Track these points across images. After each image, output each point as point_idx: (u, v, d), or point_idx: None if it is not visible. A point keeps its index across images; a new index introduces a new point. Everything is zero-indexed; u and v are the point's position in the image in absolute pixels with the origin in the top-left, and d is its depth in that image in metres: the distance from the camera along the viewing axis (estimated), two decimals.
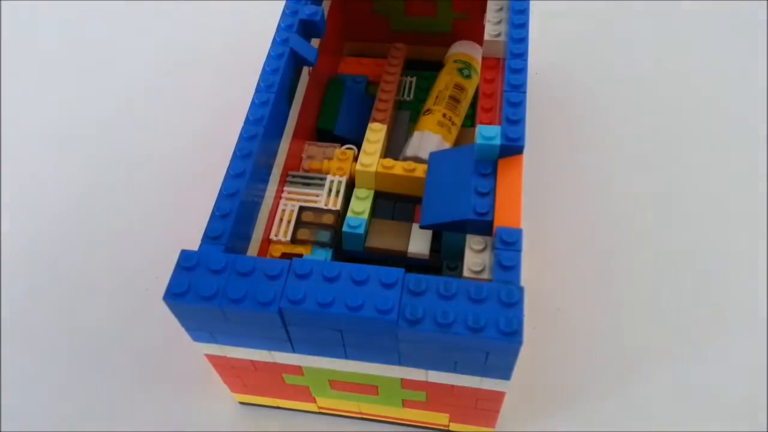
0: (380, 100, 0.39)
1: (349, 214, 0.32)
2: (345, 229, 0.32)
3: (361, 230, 0.32)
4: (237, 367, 0.30)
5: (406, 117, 0.42)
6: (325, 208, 0.34)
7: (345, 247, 0.32)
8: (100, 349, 0.37)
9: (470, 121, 0.42)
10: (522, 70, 0.31)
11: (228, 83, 0.49)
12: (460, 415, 0.31)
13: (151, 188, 0.44)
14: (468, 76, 0.40)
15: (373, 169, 0.33)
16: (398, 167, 0.33)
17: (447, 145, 0.37)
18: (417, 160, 0.36)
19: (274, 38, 0.33)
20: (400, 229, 0.32)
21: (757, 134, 0.45)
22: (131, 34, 0.54)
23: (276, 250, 0.33)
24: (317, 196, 0.34)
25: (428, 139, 0.37)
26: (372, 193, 0.34)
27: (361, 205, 0.33)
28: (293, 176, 0.35)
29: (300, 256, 0.32)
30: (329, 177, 0.35)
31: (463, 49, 0.42)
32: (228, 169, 0.29)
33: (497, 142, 0.28)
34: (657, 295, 0.38)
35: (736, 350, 0.36)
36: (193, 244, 0.27)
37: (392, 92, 0.40)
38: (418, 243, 0.31)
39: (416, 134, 0.37)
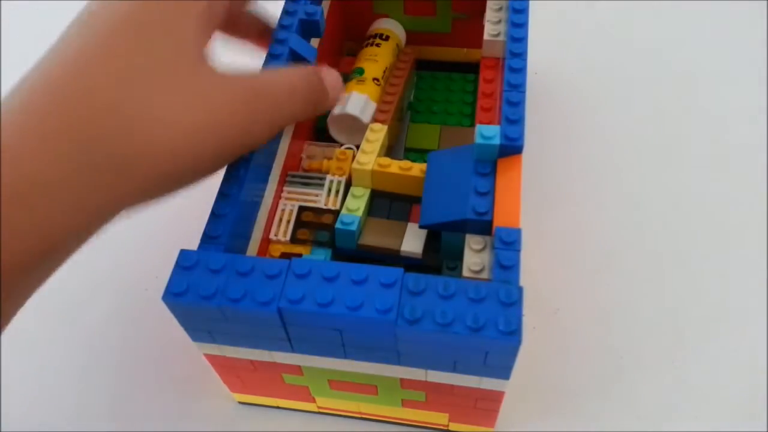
0: (383, 101, 0.39)
1: (343, 211, 0.32)
2: (337, 225, 0.32)
3: (354, 227, 0.31)
4: (236, 367, 0.30)
5: (407, 117, 0.42)
6: (325, 207, 0.34)
7: (338, 244, 0.32)
8: (99, 349, 0.37)
9: (470, 120, 0.42)
10: (521, 70, 0.31)
11: None
12: (460, 414, 0.31)
13: None
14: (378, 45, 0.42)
15: (369, 167, 0.33)
16: (394, 166, 0.33)
17: (373, 105, 0.38)
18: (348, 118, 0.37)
19: (273, 37, 0.33)
20: (394, 227, 0.32)
21: (758, 134, 0.45)
22: None
23: (275, 250, 0.33)
24: (317, 195, 0.34)
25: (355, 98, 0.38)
26: (368, 191, 0.34)
27: (356, 203, 0.33)
28: (293, 176, 0.35)
29: (299, 255, 0.32)
30: (329, 177, 0.35)
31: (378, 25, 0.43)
32: (227, 169, 0.29)
33: (496, 141, 0.28)
34: (656, 295, 0.38)
35: (736, 350, 0.36)
36: (193, 243, 0.27)
37: (396, 94, 0.40)
38: (412, 242, 0.31)
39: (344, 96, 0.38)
